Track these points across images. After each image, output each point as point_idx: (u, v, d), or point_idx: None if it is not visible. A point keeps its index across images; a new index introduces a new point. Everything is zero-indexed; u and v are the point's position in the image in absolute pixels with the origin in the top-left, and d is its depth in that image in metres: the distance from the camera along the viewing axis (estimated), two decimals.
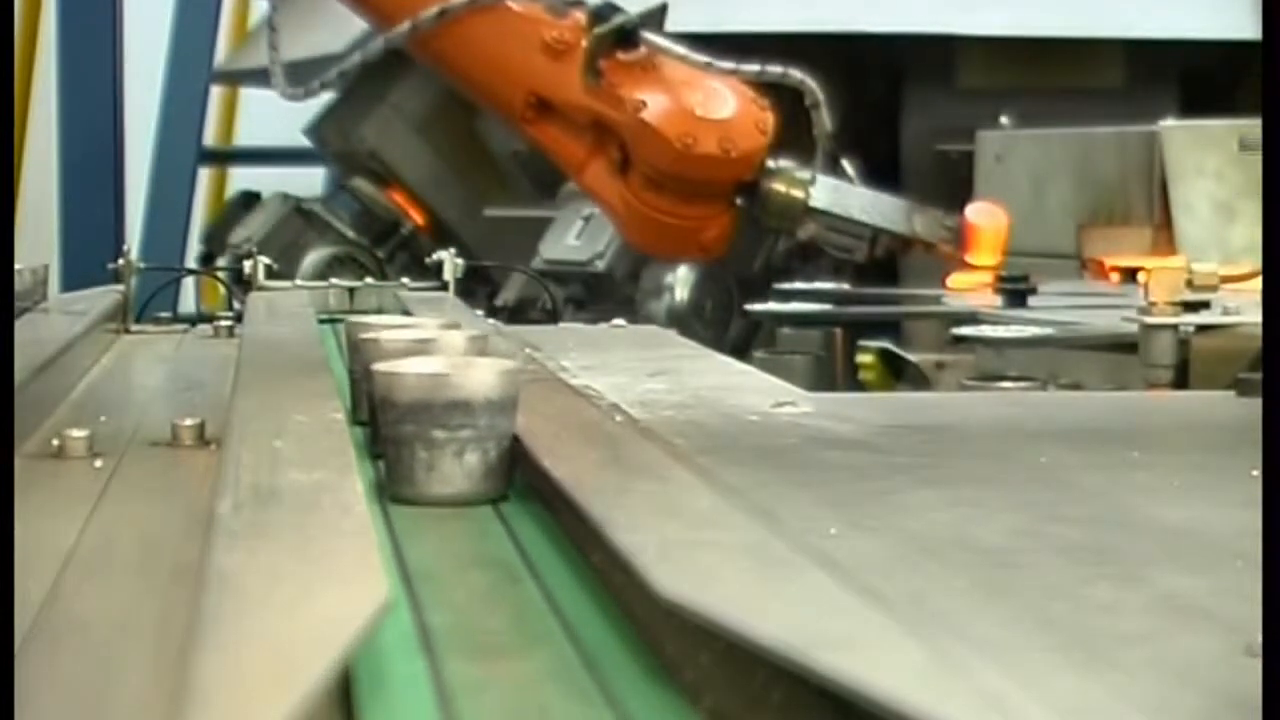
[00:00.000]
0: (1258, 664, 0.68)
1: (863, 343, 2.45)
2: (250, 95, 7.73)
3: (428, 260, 2.52)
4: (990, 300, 2.49)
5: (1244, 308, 1.95)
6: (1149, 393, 1.87)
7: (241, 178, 7.44)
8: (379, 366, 1.16)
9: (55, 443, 1.30)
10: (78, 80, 7.08)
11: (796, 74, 1.75)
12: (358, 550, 0.80)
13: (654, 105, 1.71)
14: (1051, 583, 0.85)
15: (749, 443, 1.28)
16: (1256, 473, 1.07)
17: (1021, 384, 1.87)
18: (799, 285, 2.97)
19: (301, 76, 1.95)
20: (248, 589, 0.73)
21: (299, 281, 2.91)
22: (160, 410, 1.54)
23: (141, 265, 2.53)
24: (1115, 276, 2.93)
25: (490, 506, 1.11)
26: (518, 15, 1.77)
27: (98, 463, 1.27)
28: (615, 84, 1.74)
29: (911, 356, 2.39)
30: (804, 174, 1.75)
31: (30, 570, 0.93)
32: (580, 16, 1.76)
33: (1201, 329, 1.93)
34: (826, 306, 2.68)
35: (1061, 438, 1.36)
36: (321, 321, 2.08)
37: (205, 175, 7.91)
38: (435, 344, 1.30)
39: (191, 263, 6.03)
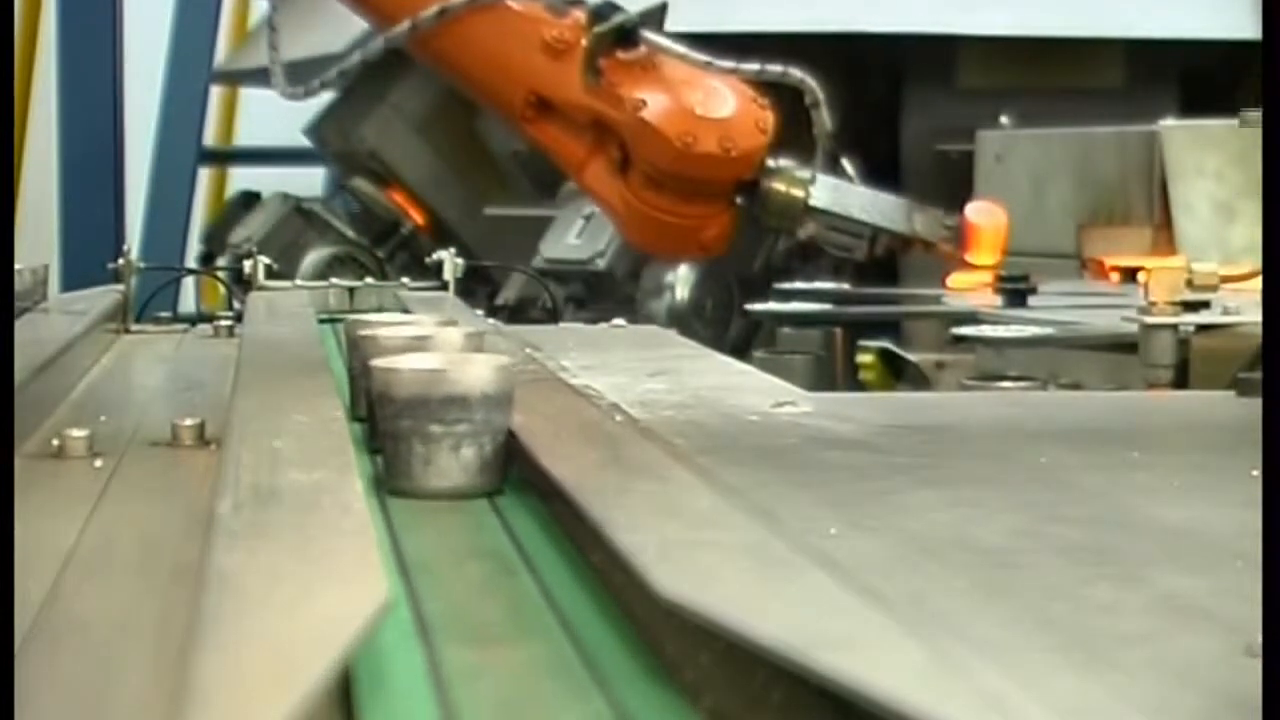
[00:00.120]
0: (1258, 664, 0.68)
1: (863, 343, 2.45)
2: (250, 95, 7.73)
3: (428, 260, 2.52)
4: (990, 300, 2.49)
5: (1244, 308, 1.94)
6: (1149, 393, 1.87)
7: (241, 178, 7.44)
8: (377, 362, 1.17)
9: (55, 443, 1.30)
10: (78, 80, 7.09)
11: (796, 73, 1.74)
12: (357, 550, 0.80)
13: (654, 104, 1.71)
14: (1051, 583, 0.85)
15: (749, 443, 1.28)
16: (1256, 473, 1.07)
17: (1021, 384, 1.87)
18: (799, 285, 2.97)
19: (301, 76, 1.95)
20: (248, 589, 0.73)
21: (299, 281, 2.91)
22: (160, 410, 1.53)
23: (141, 265, 2.53)
24: (1115, 276, 2.93)
25: (486, 500, 1.12)
26: (517, 14, 1.77)
27: (98, 463, 1.27)
28: (615, 83, 1.74)
29: (911, 356, 2.40)
30: (804, 173, 1.75)
31: (30, 570, 0.93)
32: (580, 15, 1.76)
33: (1201, 329, 1.93)
34: (826, 306, 2.68)
35: (1061, 438, 1.36)
36: (321, 321, 2.08)
37: (205, 175, 7.91)
38: (432, 340, 1.31)
39: (191, 263, 6.03)
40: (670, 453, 1.12)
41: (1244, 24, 4.15)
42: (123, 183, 7.11)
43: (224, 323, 2.25)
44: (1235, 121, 3.27)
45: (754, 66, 1.75)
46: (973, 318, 2.30)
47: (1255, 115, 3.02)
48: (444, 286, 2.45)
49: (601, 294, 4.39)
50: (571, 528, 0.97)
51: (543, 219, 4.68)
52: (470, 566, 0.96)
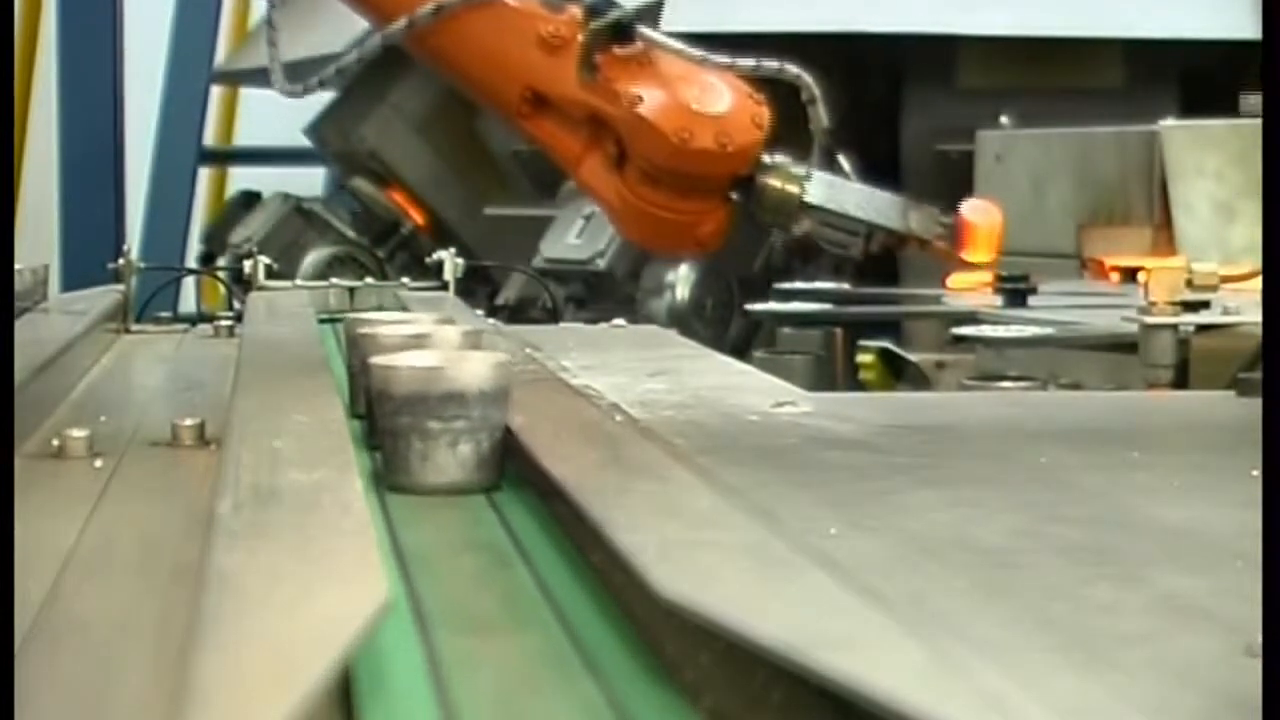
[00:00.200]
0: (1258, 664, 0.68)
1: (863, 343, 2.45)
2: (250, 95, 7.74)
3: (428, 260, 2.52)
4: (990, 300, 2.49)
5: (1244, 308, 1.95)
6: (1149, 393, 1.88)
7: (241, 178, 7.44)
8: (376, 360, 1.18)
9: (55, 443, 1.30)
10: (78, 80, 7.09)
11: (792, 69, 1.75)
12: (358, 550, 0.80)
13: (650, 100, 1.71)
14: (1051, 583, 0.85)
15: (749, 443, 1.28)
16: (1256, 473, 1.07)
17: (1021, 384, 1.87)
18: (799, 285, 2.97)
19: (301, 76, 1.95)
20: (248, 589, 0.73)
21: (299, 281, 2.91)
22: (160, 410, 1.53)
23: (141, 265, 2.53)
24: (1115, 276, 2.94)
25: (484, 495, 1.13)
26: (514, 10, 1.77)
27: (98, 463, 1.27)
28: (611, 79, 1.74)
29: (911, 356, 2.39)
30: (800, 169, 1.75)
31: (30, 570, 0.93)
32: (576, 11, 1.76)
33: (1201, 329, 1.94)
34: (826, 306, 2.68)
35: (1061, 438, 1.36)
36: (321, 321, 2.08)
37: (205, 175, 7.91)
38: (430, 339, 1.32)
39: (192, 262, 6.04)
40: (670, 453, 1.12)
41: (1244, 24, 4.15)
42: (123, 183, 7.11)
43: (224, 323, 2.25)
44: (1235, 121, 3.27)
45: (750, 62, 1.75)
46: (973, 318, 2.31)
47: (1255, 100, 3.02)
48: (444, 286, 2.45)
49: (601, 294, 4.39)
50: (572, 528, 0.97)
51: (543, 219, 4.68)
52: (466, 559, 0.98)
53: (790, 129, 1.77)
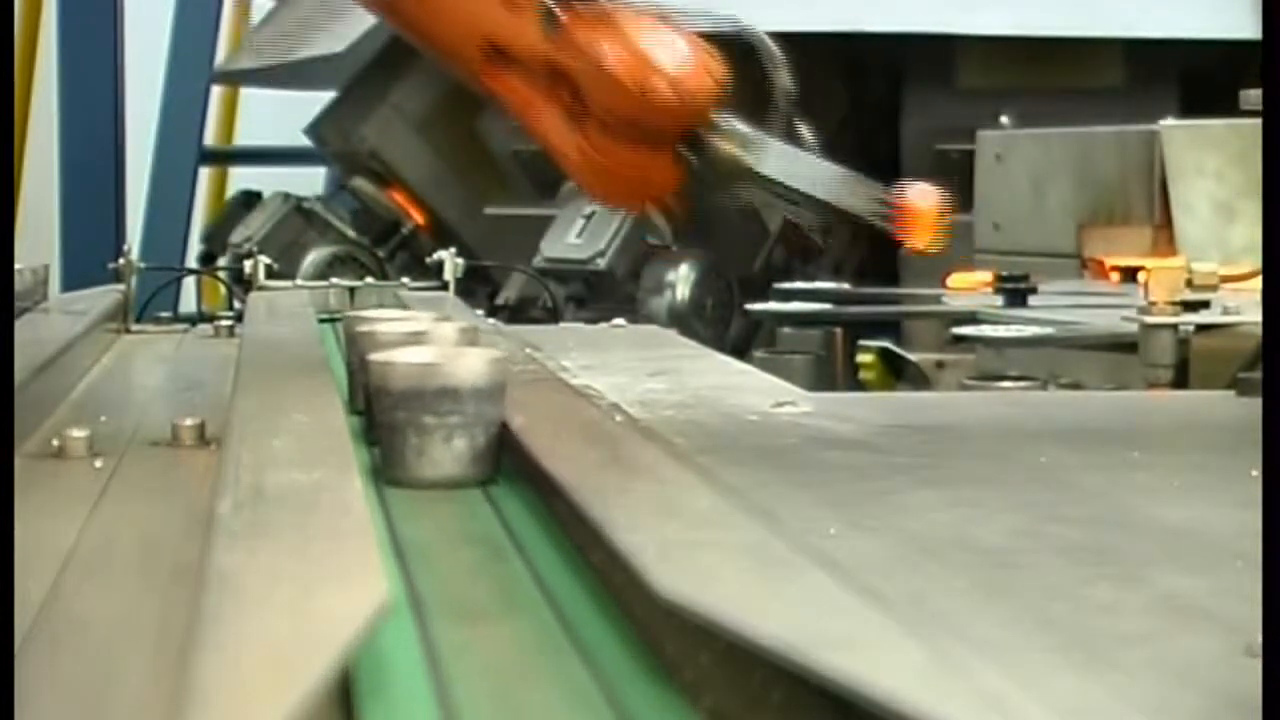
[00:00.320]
0: (1258, 664, 0.68)
1: (863, 342, 2.45)
2: (250, 95, 7.73)
3: (428, 260, 2.52)
4: (990, 300, 2.49)
5: (1244, 308, 1.95)
6: (1149, 393, 1.88)
7: (241, 178, 7.44)
8: (374, 356, 1.20)
9: (55, 443, 1.30)
10: (78, 81, 7.08)
11: (754, 30, 1.74)
12: (358, 550, 0.80)
13: (610, 53, 1.72)
14: (1051, 583, 0.85)
15: (749, 443, 1.28)
16: (1256, 473, 1.07)
17: (1021, 384, 1.87)
18: (799, 285, 2.97)
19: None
20: (248, 589, 0.73)
21: (299, 281, 2.92)
22: (160, 410, 1.53)
23: (142, 265, 2.53)
24: (1115, 276, 2.94)
25: (480, 489, 1.14)
26: None
27: (98, 463, 1.27)
28: (572, 33, 1.74)
29: (911, 356, 2.39)
30: (755, 135, 1.76)
31: (30, 570, 0.93)
32: None
33: (1201, 329, 1.94)
34: (826, 306, 2.68)
35: (1061, 438, 1.36)
36: (322, 321, 2.08)
37: (205, 175, 7.90)
38: (427, 335, 1.33)
39: (192, 262, 6.03)
40: (670, 453, 1.12)
41: (1244, 24, 4.15)
42: (123, 183, 7.11)
43: (224, 323, 2.25)
44: (1235, 121, 3.27)
45: (708, 20, 1.75)
46: (973, 318, 2.31)
47: (1255, 94, 3.02)
48: (444, 286, 2.45)
49: (602, 293, 4.38)
50: (571, 527, 0.97)
51: (543, 219, 4.68)
52: (463, 551, 0.99)
53: (757, 97, 1.77)
